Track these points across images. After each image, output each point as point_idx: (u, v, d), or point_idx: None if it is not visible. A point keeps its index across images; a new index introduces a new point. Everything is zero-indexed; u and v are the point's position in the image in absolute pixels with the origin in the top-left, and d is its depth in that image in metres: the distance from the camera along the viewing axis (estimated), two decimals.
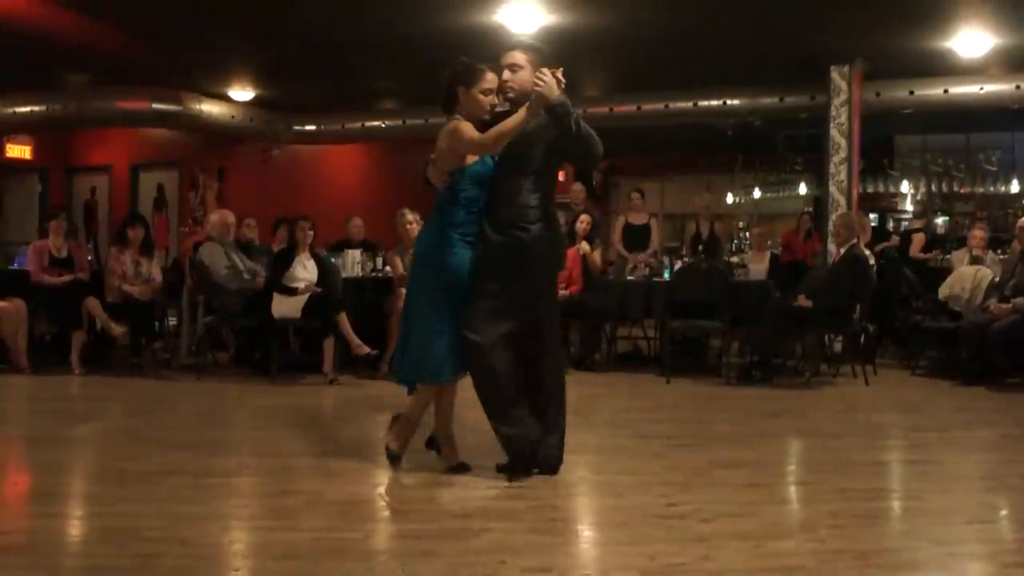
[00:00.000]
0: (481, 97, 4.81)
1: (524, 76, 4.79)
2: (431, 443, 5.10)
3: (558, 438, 4.96)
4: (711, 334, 9.50)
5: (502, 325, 4.75)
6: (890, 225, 14.86)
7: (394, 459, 4.98)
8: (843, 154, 11.16)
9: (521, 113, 4.66)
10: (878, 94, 11.48)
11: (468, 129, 4.74)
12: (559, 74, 4.65)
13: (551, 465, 4.91)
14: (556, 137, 4.71)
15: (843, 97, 11.12)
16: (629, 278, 9.78)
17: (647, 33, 10.06)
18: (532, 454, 4.85)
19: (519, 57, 4.83)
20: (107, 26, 10.24)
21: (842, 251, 8.82)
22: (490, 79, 4.81)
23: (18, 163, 16.34)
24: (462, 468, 4.92)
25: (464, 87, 4.82)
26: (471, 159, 4.81)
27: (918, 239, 11.32)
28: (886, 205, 15.95)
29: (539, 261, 4.83)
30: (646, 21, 9.65)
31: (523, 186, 4.79)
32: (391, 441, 5.00)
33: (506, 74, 4.82)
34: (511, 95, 4.83)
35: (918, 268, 10.44)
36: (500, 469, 4.89)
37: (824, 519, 4.20)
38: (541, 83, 4.57)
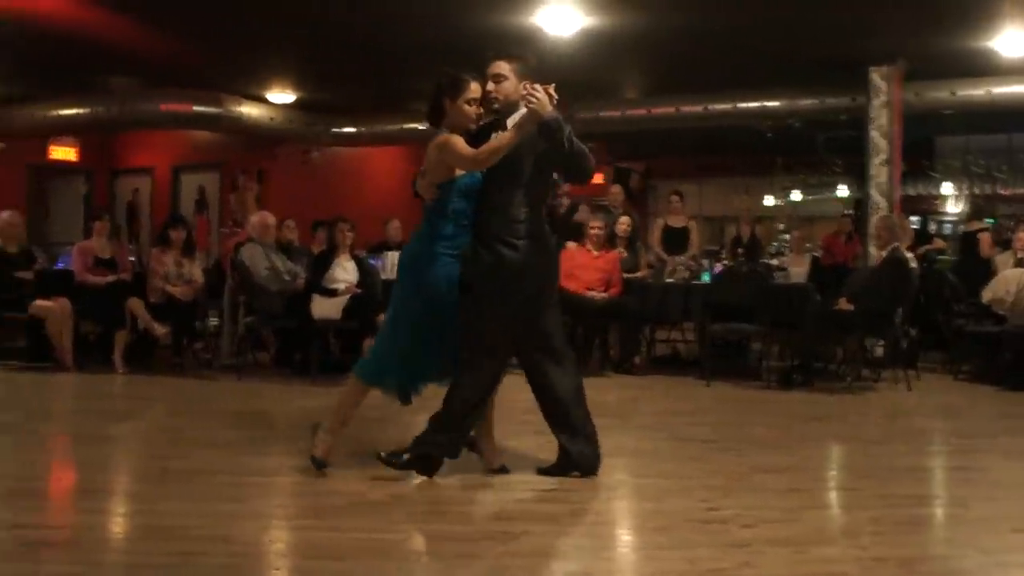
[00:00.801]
0: (467, 108, 4.77)
1: (508, 86, 4.74)
2: (472, 446, 5.10)
3: (588, 441, 4.94)
4: (751, 337, 9.45)
5: (507, 346, 4.80)
6: (932, 227, 14.72)
7: (321, 466, 4.83)
8: (884, 156, 11.06)
9: (514, 130, 4.61)
10: (918, 95, 11.36)
11: (459, 143, 4.69)
12: (551, 90, 4.60)
13: (589, 466, 4.90)
14: (546, 150, 4.67)
15: (883, 98, 11.03)
16: (668, 281, 9.76)
17: (685, 35, 10.03)
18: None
19: (503, 67, 4.78)
20: (150, 29, 10.36)
21: (883, 254, 8.73)
22: (474, 89, 4.77)
23: (64, 165, 16.56)
24: (502, 470, 4.91)
25: (449, 99, 4.79)
26: (460, 172, 4.77)
27: (985, 238, 11.05)
28: (927, 207, 15.81)
29: (529, 276, 4.78)
30: (684, 22, 9.62)
31: (512, 199, 4.75)
32: (316, 449, 4.86)
33: (490, 85, 4.77)
34: (496, 106, 4.78)
35: (986, 269, 10.22)
36: (541, 471, 4.90)
37: (866, 526, 4.16)
38: (533, 100, 4.51)
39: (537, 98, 4.51)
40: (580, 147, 4.70)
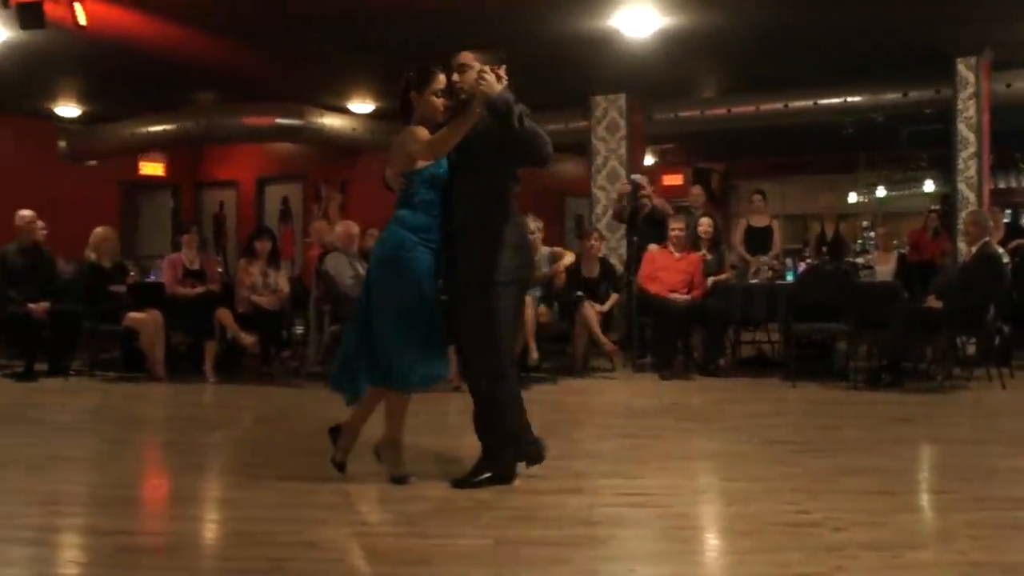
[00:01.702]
0: (434, 99, 4.81)
1: (474, 76, 4.74)
2: (377, 452, 5.07)
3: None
4: (837, 337, 9.30)
5: (509, 335, 4.81)
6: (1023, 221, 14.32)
7: (341, 468, 4.94)
8: (972, 149, 10.80)
9: (468, 114, 4.66)
10: (1009, 85, 11.06)
11: (419, 132, 4.75)
12: (500, 71, 4.66)
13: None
14: (502, 134, 4.66)
15: (970, 90, 10.77)
16: (752, 281, 9.66)
17: (764, 31, 9.91)
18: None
19: (468, 57, 4.80)
20: (233, 45, 10.57)
21: (973, 250, 8.53)
22: (441, 80, 4.82)
23: (152, 180, 17.00)
24: (403, 480, 4.86)
25: (416, 91, 4.84)
26: (423, 162, 4.79)
27: None
28: (1019, 201, 15.39)
29: (495, 267, 4.75)
30: (763, 19, 9.51)
31: (479, 188, 4.77)
32: (336, 453, 4.97)
33: (455, 75, 4.80)
34: (462, 96, 4.77)
35: None
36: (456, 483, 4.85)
37: (963, 529, 4.04)
38: (483, 81, 4.58)
39: (485, 79, 4.58)
40: (534, 128, 4.68)
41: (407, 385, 4.85)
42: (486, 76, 4.60)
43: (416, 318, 4.77)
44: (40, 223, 10.07)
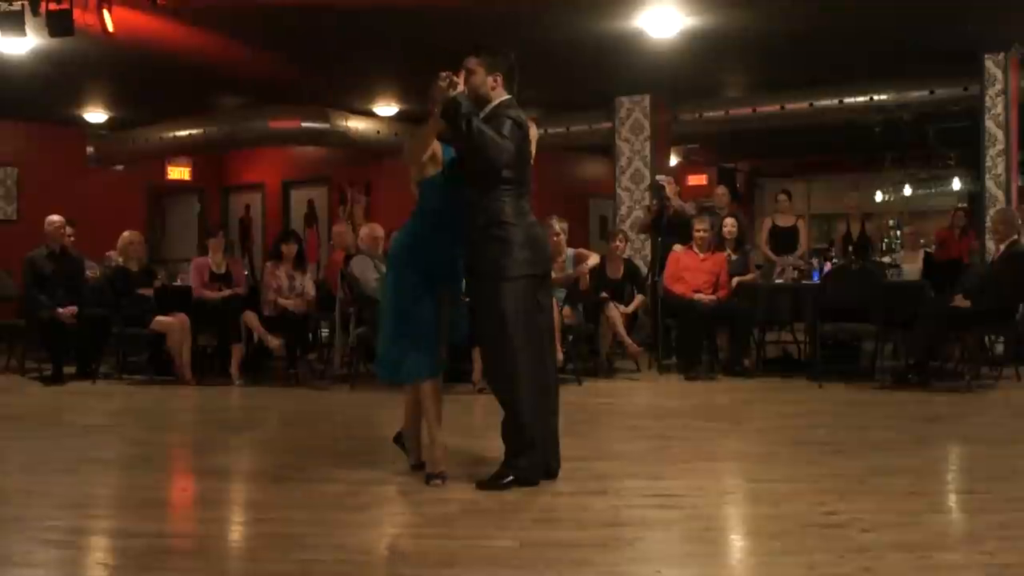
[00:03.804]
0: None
1: (476, 80, 4.79)
2: (399, 439, 5.26)
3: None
4: (864, 337, 9.24)
5: (528, 334, 4.77)
6: None
7: (443, 478, 4.86)
8: (1000, 146, 10.72)
9: (430, 120, 4.76)
10: None
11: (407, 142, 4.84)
12: (454, 76, 4.69)
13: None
14: (455, 136, 4.71)
15: (999, 86, 10.69)
16: (777, 281, 9.62)
17: (789, 30, 9.84)
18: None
19: (472, 62, 4.84)
20: (258, 50, 10.62)
21: (1002, 248, 8.46)
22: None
23: (179, 184, 17.10)
24: (420, 467, 5.02)
25: (432, 100, 4.87)
26: (432, 169, 4.87)
27: None
28: None
29: (500, 266, 4.74)
30: (787, 17, 9.45)
31: (478, 192, 4.78)
32: (432, 470, 4.91)
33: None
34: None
35: None
36: (478, 484, 4.83)
37: (993, 530, 4.00)
38: (441, 86, 4.63)
39: (441, 84, 4.63)
40: (483, 133, 4.63)
41: (415, 378, 4.94)
42: (442, 83, 4.64)
43: (410, 317, 4.85)
44: (69, 229, 10.17)
